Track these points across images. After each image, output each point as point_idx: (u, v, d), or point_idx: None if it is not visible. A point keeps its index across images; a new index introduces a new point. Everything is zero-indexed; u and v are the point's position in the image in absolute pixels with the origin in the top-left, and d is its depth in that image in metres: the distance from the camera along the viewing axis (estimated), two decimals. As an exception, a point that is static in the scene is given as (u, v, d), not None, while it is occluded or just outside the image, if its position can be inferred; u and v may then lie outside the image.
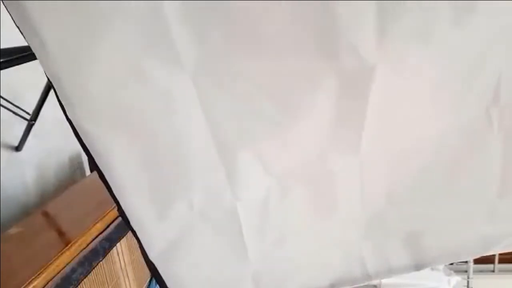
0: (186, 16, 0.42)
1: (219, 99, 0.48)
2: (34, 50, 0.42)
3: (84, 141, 0.46)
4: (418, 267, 0.63)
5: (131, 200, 0.50)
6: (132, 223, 0.51)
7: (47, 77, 0.44)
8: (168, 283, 0.57)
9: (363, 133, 0.52)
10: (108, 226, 1.04)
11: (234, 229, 0.56)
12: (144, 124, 0.47)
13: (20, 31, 0.41)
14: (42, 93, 1.23)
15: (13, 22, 0.41)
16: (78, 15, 0.40)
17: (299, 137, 0.52)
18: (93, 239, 0.98)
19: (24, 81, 1.35)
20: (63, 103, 0.45)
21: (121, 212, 0.51)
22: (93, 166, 0.48)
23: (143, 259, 0.55)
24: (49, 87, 1.18)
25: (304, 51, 0.46)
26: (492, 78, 0.51)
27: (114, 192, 0.49)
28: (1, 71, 1.02)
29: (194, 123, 0.48)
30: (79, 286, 0.91)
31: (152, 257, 0.54)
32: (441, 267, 2.76)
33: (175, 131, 0.48)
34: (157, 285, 0.58)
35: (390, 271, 0.63)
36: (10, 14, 0.41)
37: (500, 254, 3.19)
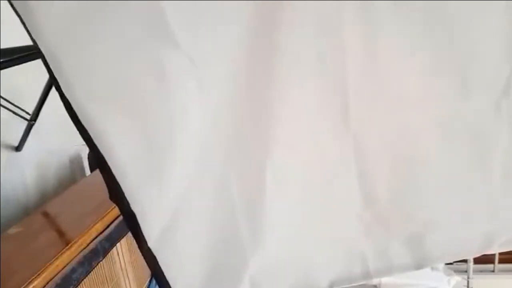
0: None
1: (214, 73, 0.48)
2: (30, 30, 0.42)
3: (84, 124, 0.47)
4: (419, 266, 0.63)
5: (132, 179, 0.50)
6: (132, 205, 0.51)
7: (48, 73, 0.44)
8: (167, 274, 0.56)
9: (352, 119, 0.52)
10: (108, 226, 1.04)
11: (230, 216, 0.56)
12: (141, 99, 0.48)
13: (14, 8, 0.42)
14: (42, 93, 1.23)
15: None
16: None
17: (293, 121, 0.52)
18: (93, 239, 0.98)
19: (24, 81, 1.36)
20: (61, 85, 0.45)
21: (117, 198, 0.51)
22: (93, 161, 0.48)
23: (141, 255, 0.54)
24: (49, 87, 1.18)
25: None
26: (503, 69, 0.51)
27: (115, 173, 0.49)
28: (1, 71, 1.02)
29: (190, 98, 0.49)
30: (79, 286, 0.91)
31: (151, 243, 0.53)
32: (441, 267, 2.75)
33: (171, 106, 0.49)
34: (157, 286, 0.57)
35: (391, 270, 0.63)
36: None
37: (500, 254, 3.19)
